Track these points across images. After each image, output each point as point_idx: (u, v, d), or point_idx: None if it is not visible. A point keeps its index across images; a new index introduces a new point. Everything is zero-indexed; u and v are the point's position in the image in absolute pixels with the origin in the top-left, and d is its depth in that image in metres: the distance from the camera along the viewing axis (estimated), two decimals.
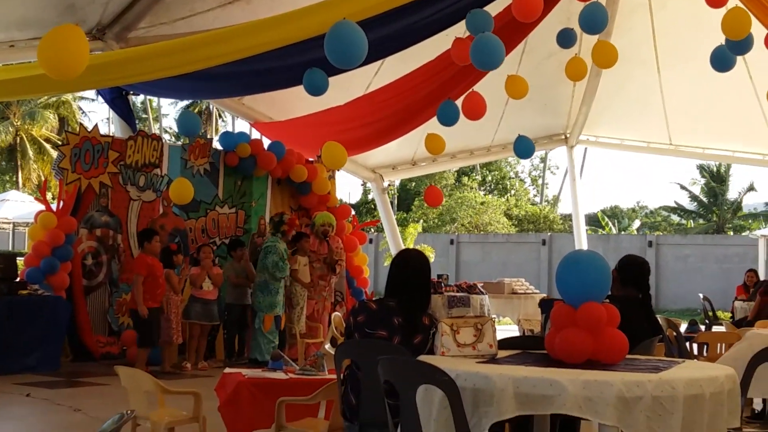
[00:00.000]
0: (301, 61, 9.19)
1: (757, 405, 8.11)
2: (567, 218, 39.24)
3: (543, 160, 50.69)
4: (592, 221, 40.48)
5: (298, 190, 14.56)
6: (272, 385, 6.01)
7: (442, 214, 39.00)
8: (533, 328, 12.76)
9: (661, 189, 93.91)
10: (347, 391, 4.90)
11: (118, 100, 13.63)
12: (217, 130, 45.16)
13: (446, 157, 19.18)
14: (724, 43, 9.40)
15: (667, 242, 31.05)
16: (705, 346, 9.87)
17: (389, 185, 20.87)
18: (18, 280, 11.39)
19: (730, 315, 16.08)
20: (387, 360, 4.15)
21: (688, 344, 9.23)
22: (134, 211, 12.54)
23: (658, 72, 16.06)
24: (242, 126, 58.35)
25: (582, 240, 20.83)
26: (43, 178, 39.58)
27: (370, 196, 41.10)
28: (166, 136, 45.52)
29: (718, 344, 9.64)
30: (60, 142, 14.33)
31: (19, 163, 41.76)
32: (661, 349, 6.27)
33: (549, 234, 33.98)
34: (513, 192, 46.96)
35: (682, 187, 42.12)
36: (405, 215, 38.61)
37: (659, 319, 6.31)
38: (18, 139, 41.19)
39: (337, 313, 12.10)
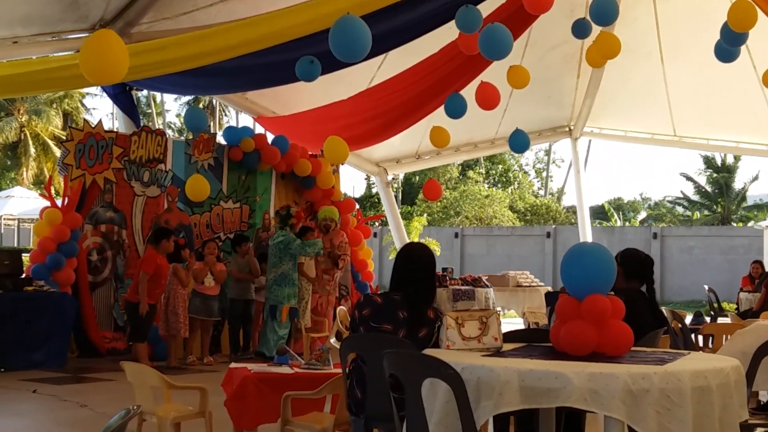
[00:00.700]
0: (305, 55, 9.18)
1: (763, 396, 8.10)
2: (571, 210, 39.19)
3: (547, 152, 50.70)
4: (598, 213, 40.44)
5: (302, 185, 14.57)
6: (278, 380, 6.01)
7: (447, 208, 38.98)
8: (538, 321, 12.77)
9: (666, 180, 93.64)
10: (353, 385, 4.90)
11: (122, 95, 13.65)
12: (221, 124, 45.14)
13: (450, 150, 19.16)
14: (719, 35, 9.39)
15: (671, 234, 30.99)
16: (710, 338, 9.87)
17: (393, 179, 20.87)
18: (23, 276, 11.42)
19: (735, 306, 16.06)
20: (392, 354, 4.15)
21: (693, 336, 9.23)
22: (139, 206, 12.56)
23: (662, 63, 16.02)
24: (246, 120, 58.48)
25: (587, 232, 20.81)
26: (48, 175, 39.67)
27: (374, 190, 41.09)
28: (169, 131, 45.57)
29: (724, 336, 9.63)
30: (64, 138, 14.32)
31: (21, 160, 41.81)
32: (666, 341, 6.27)
33: (554, 226, 33.93)
34: (517, 184, 46.91)
35: (688, 178, 42.04)
36: (409, 209, 38.60)
37: (664, 311, 6.30)
38: (22, 135, 41.21)
39: (342, 307, 12.10)
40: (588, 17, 9.84)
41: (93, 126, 12.42)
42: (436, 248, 23.12)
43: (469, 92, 11.03)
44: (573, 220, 35.70)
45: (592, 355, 4.09)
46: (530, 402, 3.67)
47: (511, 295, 16.68)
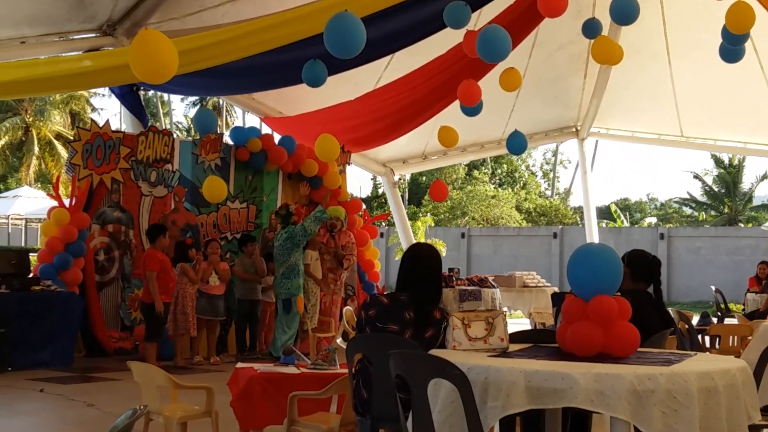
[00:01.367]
0: (312, 55, 9.19)
1: None
2: (578, 211, 39.14)
3: (554, 153, 50.65)
4: (605, 215, 40.37)
5: (309, 185, 14.57)
6: (284, 380, 6.01)
7: (453, 208, 38.97)
8: (544, 321, 12.77)
9: (673, 180, 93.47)
10: (359, 385, 4.90)
11: (129, 95, 13.68)
12: (227, 124, 45.18)
13: (457, 151, 19.19)
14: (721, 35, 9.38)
15: (678, 234, 30.94)
16: (717, 339, 9.85)
17: (400, 179, 20.88)
18: (31, 276, 11.46)
19: (742, 307, 16.04)
20: (398, 354, 4.15)
21: (700, 337, 9.21)
22: (146, 206, 12.58)
23: (669, 64, 16.00)
24: (253, 121, 58.44)
25: (593, 233, 20.80)
26: (50, 172, 39.75)
27: (380, 190, 41.09)
28: (176, 132, 45.63)
29: (731, 337, 9.62)
30: (68, 137, 14.36)
31: (24, 159, 41.90)
32: (672, 342, 6.25)
33: (560, 227, 33.91)
34: (523, 183, 46.86)
35: (696, 176, 41.94)
36: (416, 209, 38.60)
37: (671, 312, 6.30)
38: (28, 135, 41.29)
39: (348, 307, 12.11)
40: (601, 17, 9.82)
41: (100, 126, 12.45)
42: (441, 248, 23.16)
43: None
44: (580, 221, 35.66)
45: (599, 355, 4.08)
46: (536, 403, 3.67)
47: (518, 296, 16.67)
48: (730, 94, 16.04)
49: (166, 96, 47.05)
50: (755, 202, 41.13)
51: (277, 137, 14.37)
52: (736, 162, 39.89)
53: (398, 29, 10.00)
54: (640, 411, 3.57)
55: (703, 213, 42.15)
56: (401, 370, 4.12)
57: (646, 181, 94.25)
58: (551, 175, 51.67)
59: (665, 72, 16.22)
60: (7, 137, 40.91)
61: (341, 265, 12.73)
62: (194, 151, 13.07)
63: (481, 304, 14.56)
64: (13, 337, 10.64)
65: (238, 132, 14.09)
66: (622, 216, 40.17)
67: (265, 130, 15.95)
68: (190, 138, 15.09)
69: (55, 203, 12.01)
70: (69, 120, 42.77)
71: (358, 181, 70.95)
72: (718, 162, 40.51)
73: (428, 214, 35.16)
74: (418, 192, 43.08)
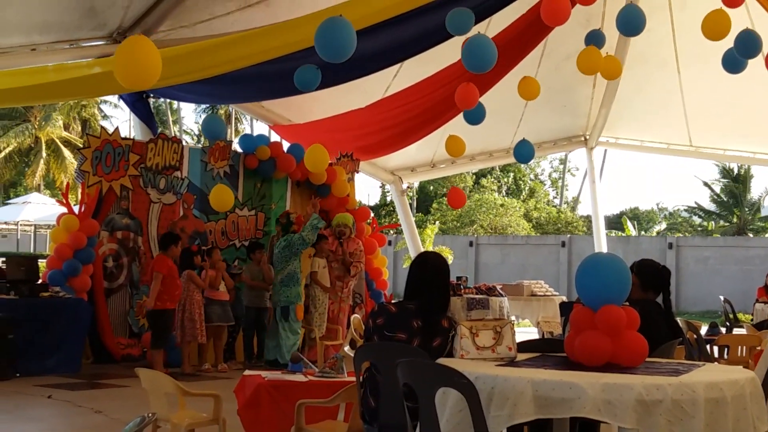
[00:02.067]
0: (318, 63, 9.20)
1: None
2: (587, 220, 39.05)
3: (563, 161, 50.57)
4: (614, 224, 40.29)
5: (317, 193, 14.59)
6: (292, 388, 6.02)
7: (462, 216, 38.94)
8: (552, 330, 12.75)
9: (681, 190, 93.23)
10: (366, 393, 4.90)
11: (139, 103, 13.72)
12: (236, 132, 45.25)
13: (465, 159, 19.16)
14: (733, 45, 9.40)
15: (687, 244, 30.86)
16: (726, 349, 9.82)
17: (408, 187, 20.88)
18: (39, 282, 11.49)
19: (750, 317, 15.99)
20: (406, 363, 4.15)
21: (708, 347, 9.19)
22: (155, 213, 12.61)
23: (678, 73, 15.97)
24: (261, 128, 58.52)
25: (602, 242, 20.75)
26: (56, 178, 39.84)
27: (389, 198, 41.09)
28: (186, 138, 45.74)
29: (739, 347, 9.59)
30: (81, 145, 14.41)
31: (31, 164, 42.02)
32: (681, 352, 6.24)
33: (568, 236, 33.85)
34: (528, 191, 46.79)
35: (705, 184, 41.82)
36: (424, 217, 38.57)
37: (679, 322, 6.29)
38: (36, 141, 41.41)
39: (356, 315, 12.11)
40: (609, 27, 9.83)
41: (110, 133, 12.49)
42: (450, 257, 23.13)
43: (484, 99, 11.00)
44: (588, 230, 35.58)
45: (607, 365, 4.08)
46: (544, 412, 3.67)
47: (526, 305, 16.63)
48: (739, 103, 16.00)
49: (175, 103, 47.21)
50: (763, 213, 40.98)
51: (285, 145, 14.38)
52: (742, 171, 39.77)
53: (405, 39, 10.01)
54: (646, 419, 3.57)
55: (712, 223, 42.03)
56: (409, 378, 4.12)
57: (654, 191, 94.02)
58: (560, 184, 51.61)
59: (674, 81, 16.19)
60: (15, 143, 41.05)
61: (349, 272, 12.74)
62: (203, 158, 13.09)
63: (489, 312, 14.53)
64: (22, 344, 10.66)
65: (247, 139, 14.10)
66: (630, 225, 40.08)
67: (274, 137, 15.98)
68: (199, 145, 15.11)
69: (64, 210, 12.04)
70: (79, 127, 42.87)
71: (366, 189, 71.16)
72: (725, 173, 40.40)
73: (436, 222, 35.13)
74: (426, 200, 43.07)
